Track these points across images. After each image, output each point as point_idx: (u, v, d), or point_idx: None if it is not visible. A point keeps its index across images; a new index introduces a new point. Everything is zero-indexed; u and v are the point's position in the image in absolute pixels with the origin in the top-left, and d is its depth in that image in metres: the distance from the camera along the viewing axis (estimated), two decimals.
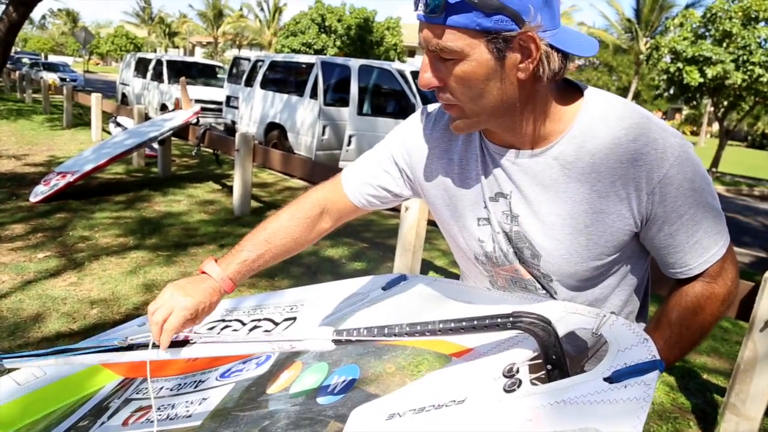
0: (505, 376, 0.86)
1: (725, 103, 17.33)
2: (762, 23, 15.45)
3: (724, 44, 15.78)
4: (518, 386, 0.83)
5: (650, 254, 1.05)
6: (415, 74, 7.29)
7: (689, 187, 0.92)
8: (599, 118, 0.93)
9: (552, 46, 0.86)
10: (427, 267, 4.40)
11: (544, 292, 1.07)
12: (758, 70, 15.09)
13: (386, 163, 1.16)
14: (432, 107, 1.14)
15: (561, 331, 0.87)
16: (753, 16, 15.47)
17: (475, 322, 0.84)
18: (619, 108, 0.94)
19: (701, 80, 15.83)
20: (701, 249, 0.96)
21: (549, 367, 0.83)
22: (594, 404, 0.73)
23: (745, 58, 15.33)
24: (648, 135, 0.91)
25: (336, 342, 0.91)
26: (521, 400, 0.79)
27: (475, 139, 1.05)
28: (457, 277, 1.33)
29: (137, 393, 1.39)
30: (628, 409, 0.70)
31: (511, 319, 0.83)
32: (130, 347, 1.11)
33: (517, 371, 0.86)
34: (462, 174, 1.07)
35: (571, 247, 0.98)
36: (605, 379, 0.76)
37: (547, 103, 0.94)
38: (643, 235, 0.98)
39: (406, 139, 1.15)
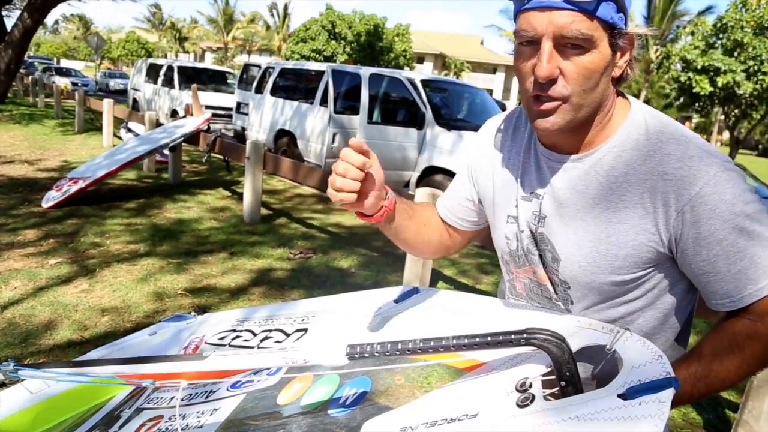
0: (518, 391, 0.87)
1: (736, 111, 17.23)
2: None
3: (735, 53, 15.71)
4: (531, 401, 0.83)
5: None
6: (425, 83, 7.30)
7: (728, 210, 0.87)
8: (641, 131, 0.95)
9: None
10: (436, 276, 4.40)
11: (560, 303, 1.07)
12: None
13: (461, 173, 1.23)
14: (496, 118, 1.20)
15: (575, 347, 0.88)
16: (765, 25, 15.40)
17: (489, 339, 0.85)
18: (661, 123, 0.96)
19: (711, 89, 15.76)
20: (746, 280, 0.89)
21: (563, 383, 0.83)
22: (607, 421, 0.73)
23: (756, 68, 15.26)
24: (684, 152, 0.90)
25: (350, 357, 0.92)
26: (534, 415, 0.80)
27: (526, 140, 1.08)
28: (466, 287, 1.34)
29: (148, 403, 1.40)
30: (641, 427, 0.70)
31: (524, 335, 0.84)
32: (145, 359, 1.12)
33: (530, 386, 0.87)
34: (505, 173, 1.11)
35: (590, 255, 0.97)
36: (619, 396, 0.76)
37: (610, 107, 0.97)
38: (681, 260, 0.94)
39: (473, 145, 1.21)
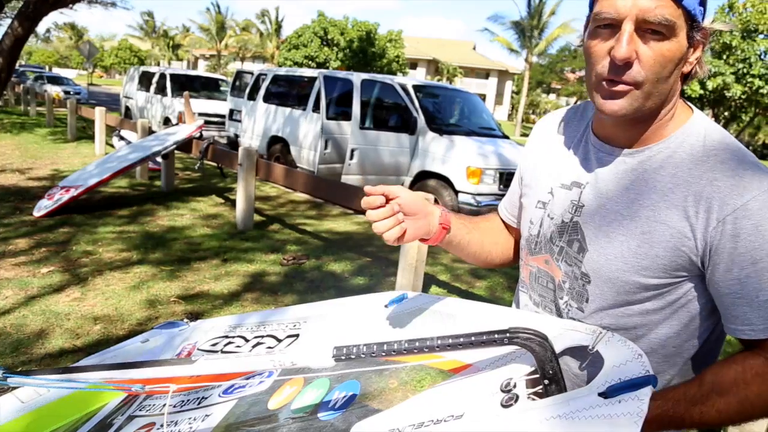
0: (503, 391, 0.88)
1: (726, 114, 17.38)
2: (761, 36, 15.54)
3: (724, 56, 15.87)
4: (515, 401, 0.84)
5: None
6: (417, 88, 7.34)
7: None
8: (699, 137, 0.94)
9: None
10: (429, 282, 4.41)
11: (567, 298, 1.04)
12: (758, 82, 15.16)
13: (518, 169, 1.24)
14: (557, 111, 1.20)
15: (558, 348, 0.89)
16: (752, 29, 15.57)
17: (473, 339, 0.86)
18: (721, 134, 0.94)
19: (702, 92, 15.90)
20: None
21: (546, 382, 0.85)
22: (589, 419, 0.74)
23: (745, 70, 15.41)
24: (739, 163, 0.88)
25: (336, 359, 0.93)
26: (518, 415, 0.81)
27: (581, 131, 1.08)
28: (459, 291, 1.36)
29: (141, 410, 1.40)
30: (621, 424, 0.71)
31: (507, 334, 0.85)
32: (134, 364, 1.13)
33: (515, 386, 0.88)
34: (549, 160, 1.11)
35: (620, 249, 0.95)
36: (600, 394, 0.77)
37: (674, 105, 0.96)
38: (710, 274, 0.89)
39: (530, 138, 1.22)
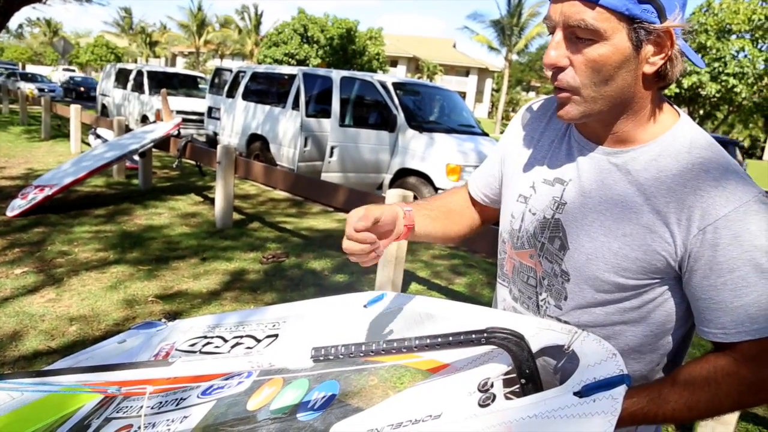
0: (480, 391, 0.89)
1: (701, 112, 17.69)
2: (734, 36, 15.83)
3: (700, 55, 16.17)
4: (492, 401, 0.85)
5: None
6: (396, 85, 7.34)
7: (750, 242, 0.85)
8: (684, 142, 0.93)
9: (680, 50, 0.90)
10: (409, 278, 4.42)
11: (546, 295, 1.04)
12: (732, 81, 15.45)
13: (496, 148, 1.25)
14: (544, 98, 1.20)
15: (534, 347, 0.90)
16: (726, 28, 15.85)
17: (450, 339, 0.87)
18: (707, 142, 0.94)
19: (677, 90, 16.15)
20: (745, 316, 0.86)
21: (523, 381, 0.86)
22: (564, 419, 0.75)
23: (720, 69, 15.69)
24: (723, 173, 0.89)
25: (314, 360, 0.93)
26: (495, 414, 0.82)
27: (564, 125, 1.08)
28: (439, 288, 1.37)
29: (118, 412, 1.38)
30: (595, 423, 0.72)
31: (485, 335, 0.86)
32: (110, 367, 1.11)
33: (492, 386, 0.89)
34: (531, 153, 1.11)
35: (600, 249, 0.95)
36: (575, 394, 0.78)
37: (649, 108, 0.95)
38: (687, 279, 0.91)
39: (514, 120, 1.22)
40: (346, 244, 1.01)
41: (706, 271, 0.88)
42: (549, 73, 0.94)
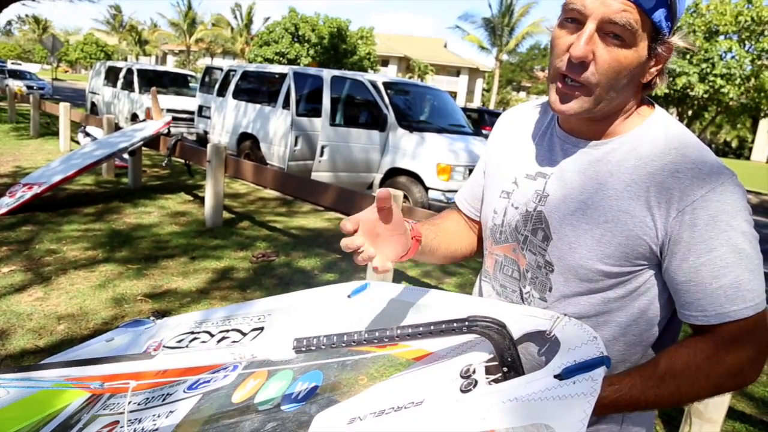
0: (462, 377, 0.90)
1: (689, 112, 17.83)
2: (722, 37, 15.97)
3: (688, 56, 16.27)
4: (474, 386, 0.86)
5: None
6: (387, 85, 7.35)
7: (727, 222, 0.87)
8: (660, 131, 0.97)
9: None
10: (399, 277, 4.44)
11: (530, 288, 1.05)
12: (720, 82, 15.58)
13: (480, 160, 1.26)
14: (524, 104, 1.21)
15: (516, 334, 0.91)
16: (714, 30, 15.99)
17: (432, 328, 0.87)
18: (681, 130, 0.97)
19: (667, 91, 16.27)
20: (724, 298, 0.88)
21: (505, 369, 0.87)
22: (545, 401, 0.76)
23: (708, 70, 15.82)
24: (699, 157, 0.91)
25: (297, 351, 0.94)
26: (476, 399, 0.83)
27: (546, 123, 1.10)
28: (428, 286, 1.37)
29: (105, 409, 1.38)
30: (575, 404, 0.73)
31: (466, 323, 0.87)
32: (92, 361, 1.11)
33: (474, 372, 0.90)
34: (513, 150, 1.13)
35: (583, 236, 0.97)
36: (555, 376, 0.79)
37: (629, 109, 0.99)
38: (667, 263, 0.92)
39: (495, 128, 1.23)
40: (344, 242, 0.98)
41: (685, 253, 0.89)
42: (563, 64, 0.92)
